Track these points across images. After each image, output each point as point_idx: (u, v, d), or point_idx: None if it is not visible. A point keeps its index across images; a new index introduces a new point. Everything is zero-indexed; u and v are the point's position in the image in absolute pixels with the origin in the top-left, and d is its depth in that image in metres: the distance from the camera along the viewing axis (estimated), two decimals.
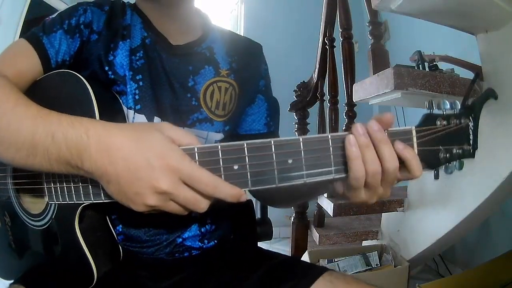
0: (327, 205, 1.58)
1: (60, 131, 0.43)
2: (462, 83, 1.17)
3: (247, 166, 0.42)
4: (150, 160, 0.40)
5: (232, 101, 0.70)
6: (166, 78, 0.65)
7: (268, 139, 0.42)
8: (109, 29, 0.63)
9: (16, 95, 0.49)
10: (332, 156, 0.43)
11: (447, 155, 0.45)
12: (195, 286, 0.66)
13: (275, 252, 0.74)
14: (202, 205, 0.42)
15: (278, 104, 0.78)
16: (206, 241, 0.69)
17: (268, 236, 0.88)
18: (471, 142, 0.45)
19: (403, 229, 1.64)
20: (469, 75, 1.28)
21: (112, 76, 0.62)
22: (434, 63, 1.26)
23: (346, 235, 1.78)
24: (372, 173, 0.42)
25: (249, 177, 0.42)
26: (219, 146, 0.42)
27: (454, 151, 0.45)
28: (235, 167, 0.42)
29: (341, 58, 1.69)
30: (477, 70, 1.23)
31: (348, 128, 1.64)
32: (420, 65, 1.27)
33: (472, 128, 0.45)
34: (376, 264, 1.59)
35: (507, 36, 1.13)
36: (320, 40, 1.96)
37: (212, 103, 0.67)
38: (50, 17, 0.63)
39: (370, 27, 1.56)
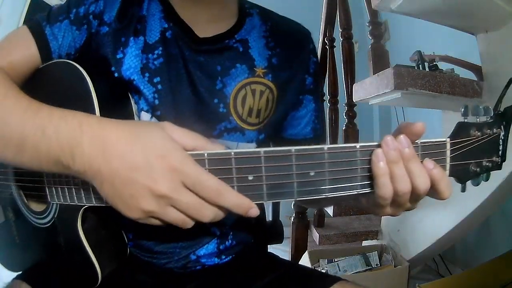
0: None
1: (51, 125, 0.39)
2: (462, 83, 1.17)
3: (264, 177, 0.38)
4: (149, 159, 0.36)
5: (269, 107, 0.60)
6: (189, 81, 0.56)
7: (288, 148, 0.37)
8: (122, 21, 0.55)
9: (6, 87, 0.45)
10: (359, 170, 0.38)
11: (478, 169, 0.41)
12: None
13: (286, 260, 0.70)
14: (207, 212, 0.37)
15: None
16: (223, 257, 0.64)
17: (279, 239, 0.84)
18: (500, 153, 0.42)
19: (403, 229, 1.63)
20: (469, 75, 1.28)
21: (116, 75, 0.55)
22: (434, 63, 1.26)
23: (346, 235, 1.78)
24: (401, 192, 0.38)
25: (265, 189, 0.38)
26: (233, 153, 0.38)
27: (484, 163, 0.41)
28: (250, 177, 0.38)
29: (341, 58, 1.69)
30: (477, 70, 1.23)
31: (348, 128, 1.65)
32: (420, 65, 1.27)
33: (502, 138, 0.42)
34: (376, 264, 1.58)
35: (507, 36, 1.13)
36: (320, 40, 1.96)
37: (244, 110, 0.57)
38: (59, 3, 0.58)
39: (370, 27, 1.56)
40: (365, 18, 1.67)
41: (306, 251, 1.74)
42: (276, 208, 0.89)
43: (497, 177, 1.14)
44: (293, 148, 0.37)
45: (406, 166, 0.38)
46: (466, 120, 0.41)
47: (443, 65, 1.28)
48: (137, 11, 0.56)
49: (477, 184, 0.43)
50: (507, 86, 0.48)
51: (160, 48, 0.55)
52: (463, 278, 1.34)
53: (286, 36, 0.62)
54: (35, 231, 0.60)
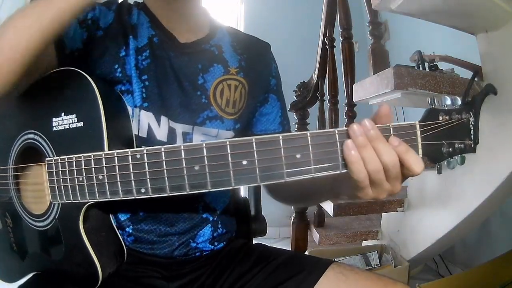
0: (327, 205, 1.58)
1: None
2: (462, 83, 1.17)
3: (256, 161, 0.42)
4: None
5: (242, 99, 0.69)
6: (175, 77, 0.64)
7: (276, 134, 0.42)
8: (117, 26, 0.63)
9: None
10: (339, 150, 0.43)
11: (450, 149, 0.45)
12: (206, 284, 0.66)
13: (281, 248, 0.74)
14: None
15: None
16: (216, 243, 0.70)
17: (262, 232, 0.91)
18: (472, 137, 0.46)
19: (403, 229, 1.64)
20: (469, 75, 1.28)
21: (120, 75, 0.61)
22: (434, 63, 1.26)
23: (346, 235, 1.78)
24: (373, 171, 0.43)
25: (257, 172, 0.42)
26: (227, 142, 0.42)
27: (456, 145, 0.46)
28: (244, 162, 0.42)
29: (341, 58, 1.69)
30: (476, 69, 1.23)
31: None
32: (420, 65, 1.27)
33: (473, 123, 0.46)
34: (376, 264, 1.59)
35: (507, 36, 1.13)
36: (320, 40, 1.96)
37: (222, 101, 0.67)
38: None
39: (370, 27, 1.56)
40: (365, 18, 1.67)
41: (306, 251, 1.74)
42: (257, 203, 0.95)
43: (497, 177, 1.14)
44: (280, 134, 0.42)
45: (373, 146, 0.42)
46: (434, 107, 0.46)
47: (443, 65, 1.28)
48: (129, 19, 0.65)
49: (453, 167, 0.47)
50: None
51: (148, 51, 0.63)
52: (463, 278, 1.34)
53: (250, 46, 0.74)
54: (34, 236, 0.60)
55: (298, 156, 0.42)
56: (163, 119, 0.62)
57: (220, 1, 3.25)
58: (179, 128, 0.63)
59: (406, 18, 1.34)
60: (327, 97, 1.85)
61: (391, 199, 1.60)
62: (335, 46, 1.85)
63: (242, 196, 0.92)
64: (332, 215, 1.54)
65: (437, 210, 1.44)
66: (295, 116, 2.02)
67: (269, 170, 0.42)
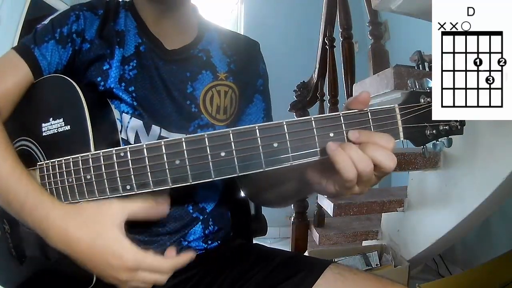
0: (327, 205, 1.58)
1: (27, 205, 0.48)
2: None
3: (234, 151, 0.43)
4: (108, 261, 0.47)
5: (233, 104, 0.69)
6: (164, 86, 0.64)
7: (252, 125, 0.43)
8: (102, 37, 0.62)
9: None
10: (316, 137, 0.43)
11: (434, 132, 0.45)
12: (200, 285, 0.66)
13: (278, 249, 0.73)
14: (162, 280, 0.51)
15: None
16: (209, 242, 0.69)
17: (263, 231, 0.91)
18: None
19: (403, 229, 1.64)
20: None
21: (102, 88, 0.61)
22: None
23: (346, 235, 1.78)
24: (365, 171, 0.41)
25: (236, 162, 0.44)
26: (205, 135, 0.44)
27: (441, 127, 0.45)
28: (222, 153, 0.44)
29: (341, 58, 1.69)
30: None
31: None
32: (420, 65, 1.27)
33: None
34: (376, 264, 1.59)
35: None
36: (320, 40, 1.96)
37: (213, 108, 0.66)
38: (42, 23, 0.62)
39: (370, 27, 1.56)
40: (365, 18, 1.67)
41: (306, 251, 1.74)
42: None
43: (497, 177, 1.14)
44: (256, 125, 0.43)
45: (363, 150, 0.41)
46: (414, 90, 0.45)
47: None
48: (115, 27, 0.63)
49: (439, 150, 0.46)
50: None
51: (135, 61, 0.63)
52: (463, 278, 1.34)
53: (239, 46, 0.72)
54: (30, 239, 0.60)
55: (275, 145, 0.43)
56: (154, 128, 0.62)
57: (220, 1, 3.25)
58: (172, 137, 0.63)
59: (406, 18, 1.34)
60: (327, 97, 1.85)
61: (391, 199, 1.60)
62: (335, 46, 1.85)
63: (243, 196, 0.91)
64: (332, 215, 1.54)
65: (437, 210, 1.44)
66: (295, 116, 2.02)
67: (248, 160, 0.43)
